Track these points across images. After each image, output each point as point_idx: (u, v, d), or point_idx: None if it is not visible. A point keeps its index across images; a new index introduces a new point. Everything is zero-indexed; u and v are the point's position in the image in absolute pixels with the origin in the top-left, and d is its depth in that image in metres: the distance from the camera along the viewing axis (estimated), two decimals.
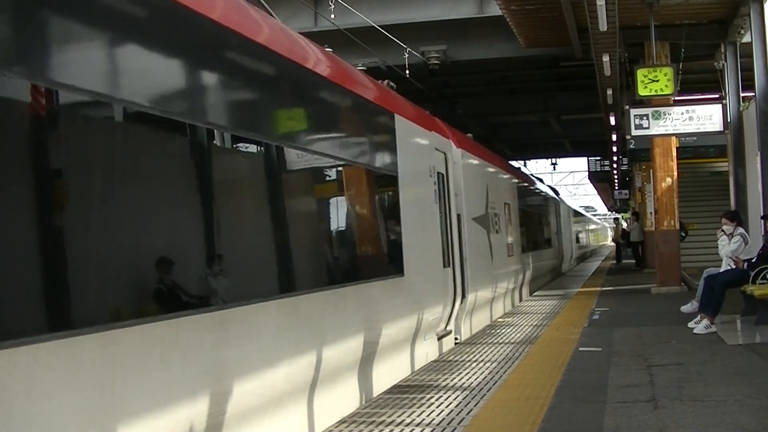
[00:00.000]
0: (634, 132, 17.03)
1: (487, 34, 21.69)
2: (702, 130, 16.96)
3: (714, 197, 24.91)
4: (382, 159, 10.25)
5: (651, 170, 20.68)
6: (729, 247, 12.31)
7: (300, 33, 8.46)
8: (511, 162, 27.83)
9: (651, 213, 24.68)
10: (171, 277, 5.36)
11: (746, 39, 16.65)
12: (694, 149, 25.05)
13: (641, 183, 30.76)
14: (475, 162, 15.88)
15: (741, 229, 12.70)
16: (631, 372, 8.45)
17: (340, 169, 8.78)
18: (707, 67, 20.76)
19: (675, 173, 18.39)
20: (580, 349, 10.29)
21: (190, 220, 5.84)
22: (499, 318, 15.49)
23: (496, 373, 8.76)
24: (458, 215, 13.56)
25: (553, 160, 59.96)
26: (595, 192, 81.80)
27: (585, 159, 56.28)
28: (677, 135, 18.14)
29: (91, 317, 4.54)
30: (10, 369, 3.92)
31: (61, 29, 4.63)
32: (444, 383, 8.36)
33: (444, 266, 12.26)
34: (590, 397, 7.26)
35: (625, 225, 40.13)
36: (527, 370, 8.94)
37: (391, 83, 12.39)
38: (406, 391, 8.07)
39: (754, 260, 11.78)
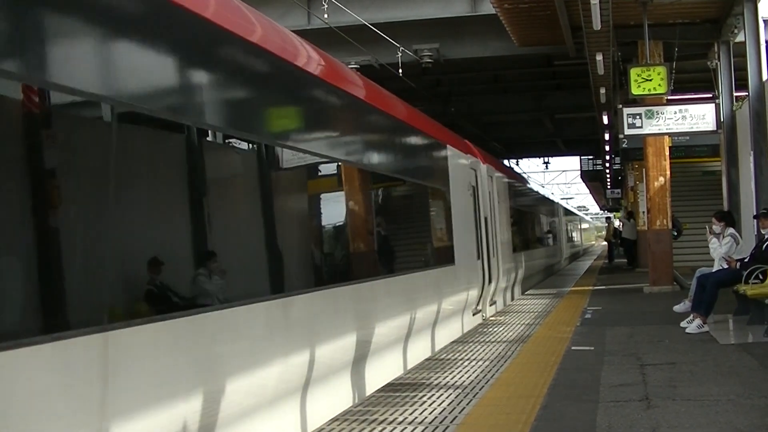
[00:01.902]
0: (627, 131, 17.03)
1: (480, 32, 21.66)
2: (695, 129, 16.98)
3: (706, 197, 24.94)
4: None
5: (644, 169, 20.69)
6: (721, 249, 12.29)
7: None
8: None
9: (643, 212, 24.71)
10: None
11: (740, 38, 16.67)
12: (686, 148, 25.11)
13: (634, 182, 30.77)
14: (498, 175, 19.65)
15: (731, 230, 12.71)
16: (624, 371, 8.44)
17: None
18: (700, 66, 20.80)
19: (668, 173, 18.39)
20: (573, 348, 10.28)
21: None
22: (491, 317, 15.51)
23: (489, 372, 8.75)
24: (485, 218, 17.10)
25: (546, 159, 60.00)
26: (588, 191, 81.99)
27: (577, 158, 56.41)
28: (670, 134, 18.15)
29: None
30: None
31: None
32: (437, 381, 8.34)
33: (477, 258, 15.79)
34: (583, 396, 7.25)
35: (617, 224, 40.15)
36: (520, 368, 8.93)
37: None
38: (398, 389, 8.05)
39: (746, 260, 11.78)
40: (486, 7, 19.22)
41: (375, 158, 10.74)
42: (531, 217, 27.03)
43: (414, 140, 12.75)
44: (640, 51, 17.76)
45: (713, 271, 12.32)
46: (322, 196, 8.88)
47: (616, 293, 19.05)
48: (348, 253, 9.24)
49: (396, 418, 6.69)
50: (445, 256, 13.53)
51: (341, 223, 9.29)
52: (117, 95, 4.94)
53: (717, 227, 12.67)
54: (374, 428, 6.39)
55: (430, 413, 6.83)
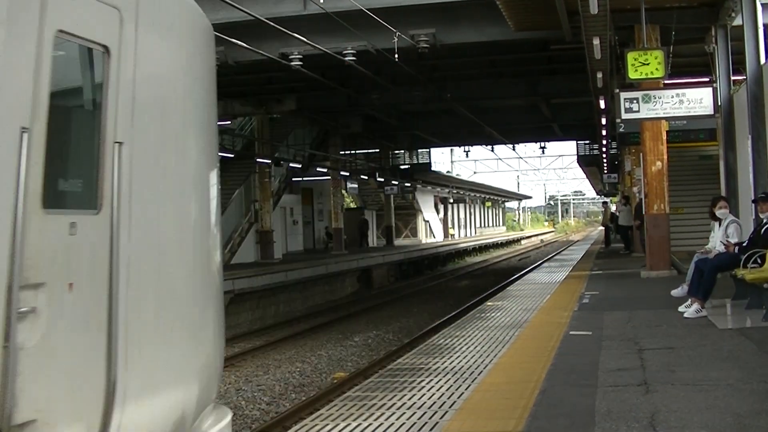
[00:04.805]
0: (624, 116, 16.96)
1: (476, 17, 21.59)
2: (692, 113, 16.90)
3: (703, 181, 24.93)
4: None
5: (641, 154, 20.67)
6: (732, 239, 12.22)
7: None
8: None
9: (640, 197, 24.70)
10: None
11: (737, 22, 16.62)
12: (683, 133, 25.04)
13: (631, 167, 30.74)
14: None
15: (731, 216, 12.71)
16: (622, 356, 8.44)
17: None
18: (698, 50, 20.74)
19: (665, 157, 18.36)
20: (571, 332, 10.28)
21: None
22: (489, 302, 15.52)
23: (487, 357, 8.74)
24: None
25: (542, 144, 59.95)
26: (584, 176, 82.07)
27: (574, 143, 56.34)
28: (667, 118, 18.08)
29: None
30: None
31: None
32: (435, 366, 8.34)
33: None
34: (581, 381, 7.24)
35: (613, 208, 40.19)
36: (518, 353, 8.92)
37: None
38: (396, 374, 8.04)
39: (745, 244, 11.77)
40: None
41: None
42: None
43: None
44: (637, 35, 17.70)
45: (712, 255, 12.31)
46: None
47: (613, 278, 19.05)
48: None
49: (395, 403, 6.68)
50: None
51: None
52: None
53: (725, 211, 12.65)
54: (373, 413, 6.38)
55: (429, 398, 6.82)
